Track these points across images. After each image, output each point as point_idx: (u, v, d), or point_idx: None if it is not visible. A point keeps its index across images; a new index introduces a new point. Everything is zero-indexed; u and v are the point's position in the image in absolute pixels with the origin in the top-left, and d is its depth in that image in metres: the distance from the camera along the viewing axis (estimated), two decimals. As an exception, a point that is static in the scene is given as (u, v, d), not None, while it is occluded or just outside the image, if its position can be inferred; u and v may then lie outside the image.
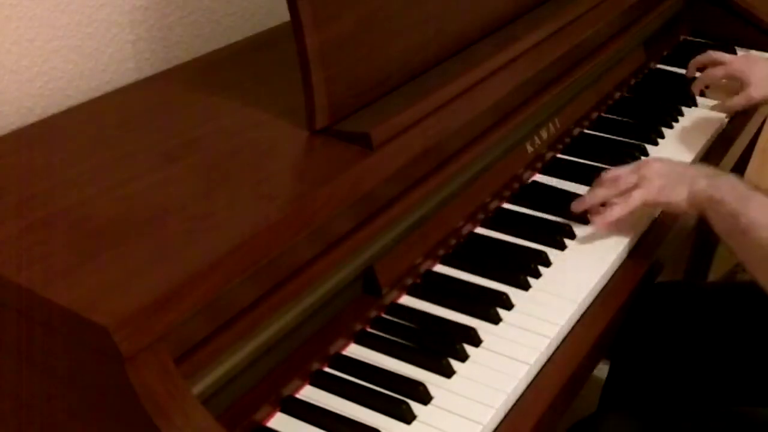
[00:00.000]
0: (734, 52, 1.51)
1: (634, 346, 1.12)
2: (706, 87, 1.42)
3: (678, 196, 1.01)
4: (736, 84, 1.38)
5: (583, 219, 1.08)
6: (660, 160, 1.07)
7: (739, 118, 1.40)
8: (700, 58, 1.44)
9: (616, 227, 1.05)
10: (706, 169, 1.03)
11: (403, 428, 0.78)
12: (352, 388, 0.82)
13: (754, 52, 1.55)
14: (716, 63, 1.41)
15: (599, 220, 1.03)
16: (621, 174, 1.06)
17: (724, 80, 1.40)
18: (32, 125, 0.98)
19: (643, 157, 1.22)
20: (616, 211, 1.03)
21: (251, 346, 0.78)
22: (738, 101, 1.37)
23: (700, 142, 1.28)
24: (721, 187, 0.97)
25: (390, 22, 0.98)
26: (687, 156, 1.24)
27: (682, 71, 1.46)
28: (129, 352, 0.65)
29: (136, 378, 0.65)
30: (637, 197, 1.03)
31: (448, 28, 1.08)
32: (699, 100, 1.40)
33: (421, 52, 1.03)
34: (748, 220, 0.91)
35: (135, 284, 0.69)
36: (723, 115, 1.36)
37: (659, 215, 1.13)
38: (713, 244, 1.88)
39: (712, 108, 1.38)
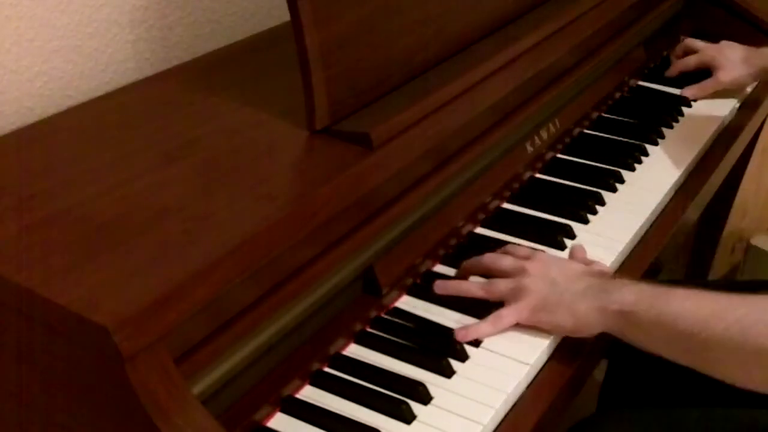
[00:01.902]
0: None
1: (633, 346, 1.12)
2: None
3: (559, 318, 0.87)
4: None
5: (583, 219, 1.08)
6: (541, 270, 0.91)
7: (739, 118, 1.40)
8: (677, 49, 1.48)
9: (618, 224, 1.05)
10: (591, 281, 0.88)
11: (403, 428, 0.78)
12: (352, 388, 0.82)
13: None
14: (692, 51, 1.45)
15: (461, 334, 0.87)
16: (503, 266, 0.93)
17: (694, 68, 1.44)
18: (32, 125, 0.98)
19: (643, 158, 1.23)
20: (482, 330, 0.88)
21: (251, 346, 0.78)
22: (706, 85, 1.40)
23: (700, 142, 1.28)
24: (625, 297, 0.84)
25: (390, 22, 0.98)
26: (687, 156, 1.24)
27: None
28: (129, 352, 0.65)
29: (136, 378, 0.65)
30: (507, 319, 0.88)
31: (448, 28, 1.08)
32: (699, 100, 1.41)
33: (421, 52, 1.03)
34: (677, 319, 0.80)
35: (135, 284, 0.69)
36: (723, 115, 1.36)
37: (659, 215, 1.13)
38: (713, 244, 1.89)
39: (683, 91, 1.41)
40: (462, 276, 0.97)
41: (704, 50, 1.44)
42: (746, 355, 0.77)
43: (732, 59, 1.40)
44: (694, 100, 1.40)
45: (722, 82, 1.40)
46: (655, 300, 0.83)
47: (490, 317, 0.89)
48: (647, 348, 0.85)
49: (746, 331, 0.77)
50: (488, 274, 0.95)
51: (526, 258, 0.94)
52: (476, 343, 0.88)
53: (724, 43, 1.44)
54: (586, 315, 0.86)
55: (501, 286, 0.91)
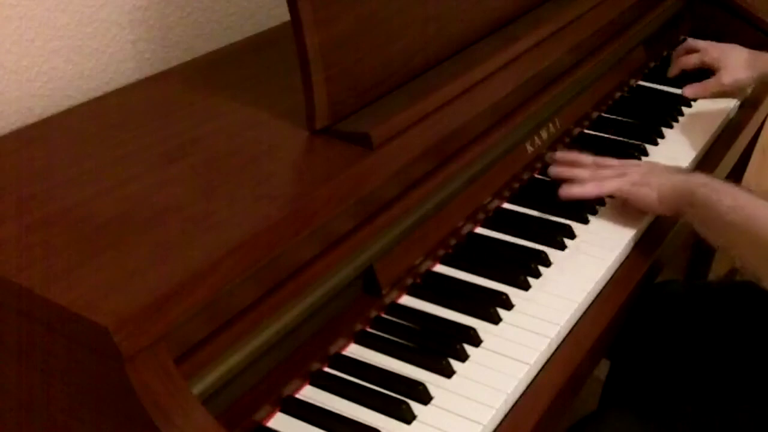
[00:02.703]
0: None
1: (634, 346, 1.12)
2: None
3: (647, 191, 1.04)
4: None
5: (583, 219, 1.08)
6: (652, 162, 1.12)
7: (739, 118, 1.40)
8: (680, 48, 1.48)
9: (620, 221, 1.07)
10: (679, 168, 1.08)
11: (403, 428, 0.78)
12: (352, 388, 0.82)
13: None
14: (693, 51, 1.45)
15: (565, 190, 1.07)
16: (611, 163, 1.10)
17: (694, 67, 1.44)
18: (32, 125, 0.98)
19: (643, 158, 1.23)
20: (587, 189, 1.06)
21: (251, 346, 0.77)
22: (707, 85, 1.40)
23: (701, 142, 1.28)
24: (696, 179, 0.99)
25: (390, 22, 0.98)
26: (687, 156, 1.24)
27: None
28: (129, 352, 0.65)
29: (136, 378, 0.65)
30: (610, 185, 1.06)
31: (448, 28, 1.08)
32: (699, 100, 1.41)
33: (421, 52, 1.03)
34: (748, 211, 0.90)
35: (135, 284, 0.69)
36: (723, 115, 1.36)
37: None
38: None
39: (684, 90, 1.41)
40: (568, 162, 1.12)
41: (706, 50, 1.43)
42: None
43: (734, 61, 1.40)
44: (694, 100, 1.40)
45: (724, 83, 1.40)
46: (715, 191, 0.95)
47: (594, 181, 1.06)
48: (701, 232, 0.97)
49: None
50: (596, 171, 1.09)
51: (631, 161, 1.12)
52: (476, 343, 0.88)
53: (726, 44, 1.44)
54: (667, 190, 1.01)
55: (607, 172, 1.08)
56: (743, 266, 0.96)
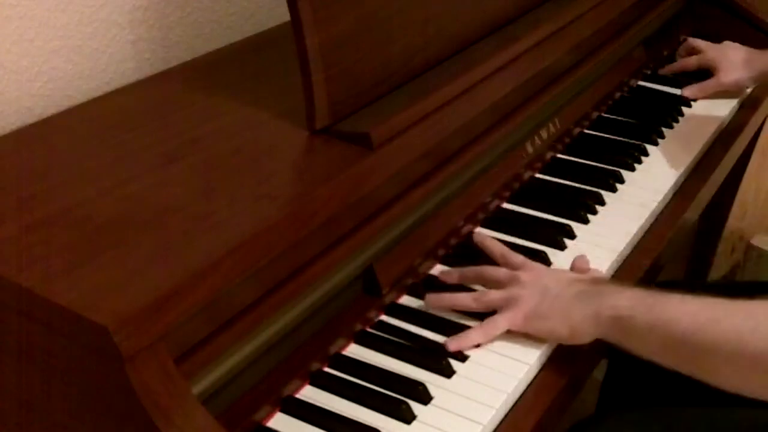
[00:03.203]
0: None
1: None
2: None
3: (553, 325, 0.86)
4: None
5: (583, 219, 1.08)
6: (534, 279, 0.90)
7: (739, 119, 1.40)
8: (681, 49, 1.49)
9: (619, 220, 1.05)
10: (583, 288, 0.88)
11: (403, 428, 0.78)
12: (352, 388, 0.82)
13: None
14: (694, 51, 1.46)
15: (453, 345, 0.86)
16: (498, 276, 0.92)
17: (694, 68, 1.44)
18: (32, 125, 0.98)
19: (643, 158, 1.23)
20: (474, 338, 0.87)
21: (251, 346, 0.78)
22: (707, 85, 1.40)
23: (700, 142, 1.28)
24: (619, 302, 0.83)
25: (390, 22, 0.98)
26: (687, 156, 1.24)
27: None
28: (129, 352, 0.65)
29: (136, 378, 0.65)
30: (501, 324, 0.88)
31: (449, 28, 1.08)
32: (699, 100, 1.41)
33: (421, 52, 1.03)
34: (673, 324, 0.79)
35: (135, 284, 0.69)
36: (723, 115, 1.36)
37: (659, 215, 1.13)
38: (713, 244, 1.89)
39: (683, 91, 1.41)
40: (455, 285, 0.95)
41: (706, 51, 1.44)
42: (744, 362, 0.76)
43: (734, 61, 1.40)
44: (694, 100, 1.40)
45: (723, 83, 1.40)
46: (651, 305, 0.81)
47: (482, 324, 0.88)
48: (642, 354, 0.83)
49: (743, 338, 0.75)
50: (482, 283, 0.94)
51: (519, 267, 0.93)
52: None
53: (726, 43, 1.45)
54: (581, 321, 0.85)
55: (494, 295, 0.90)
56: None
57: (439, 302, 0.92)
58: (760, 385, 0.78)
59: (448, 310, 0.91)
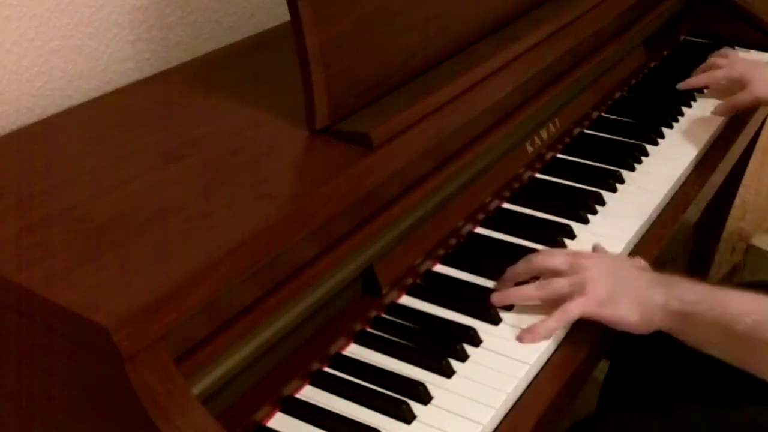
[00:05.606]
0: (734, 52, 1.51)
1: (634, 346, 1.12)
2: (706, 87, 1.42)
3: (625, 311, 0.86)
4: (736, 85, 1.36)
5: (583, 219, 1.08)
6: (598, 263, 0.91)
7: (740, 118, 1.40)
8: (703, 66, 1.43)
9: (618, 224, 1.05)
10: (651, 275, 0.89)
11: (403, 428, 0.78)
12: (352, 388, 0.82)
13: (753, 53, 1.55)
14: (716, 67, 1.40)
15: (528, 337, 0.86)
16: (555, 264, 0.90)
17: (723, 82, 1.39)
18: (32, 125, 0.98)
19: (643, 158, 1.23)
20: (551, 326, 0.87)
21: (251, 346, 0.78)
22: (743, 98, 1.34)
23: (700, 142, 1.28)
24: (685, 296, 0.85)
25: (390, 22, 0.98)
26: (687, 156, 1.24)
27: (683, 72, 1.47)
28: (129, 352, 0.65)
29: (136, 378, 0.65)
30: (574, 311, 0.87)
31: (449, 28, 1.08)
32: (699, 100, 1.41)
33: (421, 52, 1.03)
34: (733, 320, 0.81)
35: (135, 284, 0.69)
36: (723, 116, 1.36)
37: (660, 214, 1.13)
38: (713, 244, 1.89)
39: (716, 108, 1.37)
40: (509, 284, 0.93)
41: (732, 64, 1.38)
42: None
43: (764, 73, 1.34)
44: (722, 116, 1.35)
45: (757, 96, 1.33)
46: (714, 300, 0.83)
47: (555, 314, 0.87)
48: (702, 348, 0.85)
49: None
50: (539, 274, 0.92)
51: (576, 254, 0.92)
52: (476, 342, 0.88)
53: (751, 60, 1.40)
54: (649, 310, 0.85)
55: (561, 283, 0.88)
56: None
57: (505, 299, 0.91)
58: None
59: (517, 303, 0.91)
